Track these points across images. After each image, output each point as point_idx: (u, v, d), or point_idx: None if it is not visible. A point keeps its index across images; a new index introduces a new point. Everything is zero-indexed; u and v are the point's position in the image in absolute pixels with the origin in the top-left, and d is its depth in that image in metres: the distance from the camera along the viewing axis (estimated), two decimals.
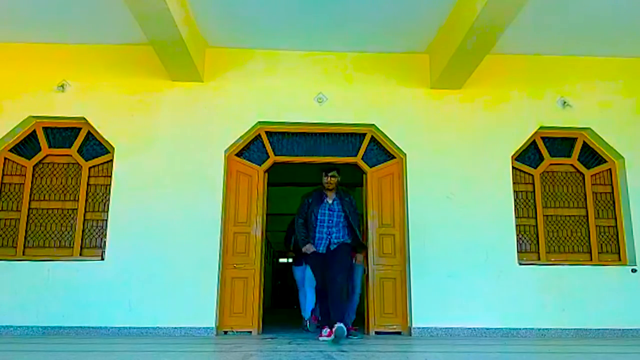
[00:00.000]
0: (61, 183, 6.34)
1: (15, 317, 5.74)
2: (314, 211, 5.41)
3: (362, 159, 6.46)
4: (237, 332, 5.96)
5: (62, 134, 6.44)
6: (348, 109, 6.40)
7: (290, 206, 7.58)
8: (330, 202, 5.45)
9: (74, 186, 6.33)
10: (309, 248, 5.34)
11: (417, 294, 5.97)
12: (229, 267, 6.05)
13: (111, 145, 6.25)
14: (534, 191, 6.53)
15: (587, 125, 6.49)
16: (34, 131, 6.41)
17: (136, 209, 6.01)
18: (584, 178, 6.59)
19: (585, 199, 6.53)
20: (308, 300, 7.01)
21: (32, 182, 6.31)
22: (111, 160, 6.25)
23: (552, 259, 6.33)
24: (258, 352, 4.09)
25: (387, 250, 6.22)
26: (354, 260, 5.56)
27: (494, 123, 6.40)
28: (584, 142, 6.64)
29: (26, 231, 6.19)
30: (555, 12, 5.69)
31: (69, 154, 6.39)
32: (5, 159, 6.35)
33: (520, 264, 6.10)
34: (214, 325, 5.77)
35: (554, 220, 6.49)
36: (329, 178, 5.46)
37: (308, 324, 6.91)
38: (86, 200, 6.26)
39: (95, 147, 6.42)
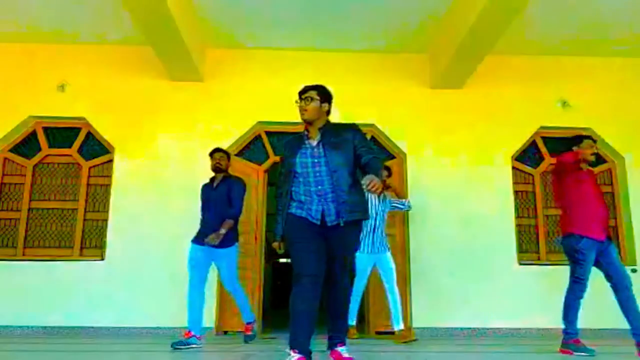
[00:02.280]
0: (61, 183, 6.34)
1: (15, 317, 5.74)
2: (292, 164, 3.24)
3: None
4: (237, 332, 5.95)
5: (62, 134, 6.45)
6: (348, 108, 6.40)
7: None
8: (313, 144, 3.26)
9: (74, 186, 6.33)
10: (276, 246, 3.34)
11: (417, 294, 5.96)
12: None
13: (111, 145, 6.25)
14: (534, 191, 6.53)
15: (587, 125, 6.49)
16: (34, 131, 6.41)
17: (136, 208, 6.01)
18: None
19: None
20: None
21: (32, 182, 6.31)
22: (111, 160, 6.25)
23: (552, 259, 6.33)
24: (258, 352, 4.09)
25: None
26: (366, 186, 2.91)
27: (494, 123, 6.40)
28: None
29: (26, 231, 6.19)
30: (556, 12, 5.69)
31: (69, 154, 6.39)
32: (5, 159, 6.35)
33: (520, 264, 6.10)
34: (213, 325, 5.77)
35: (554, 220, 6.48)
36: (303, 102, 3.31)
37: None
38: (86, 200, 6.26)
39: (95, 147, 6.42)
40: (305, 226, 3.14)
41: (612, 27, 5.98)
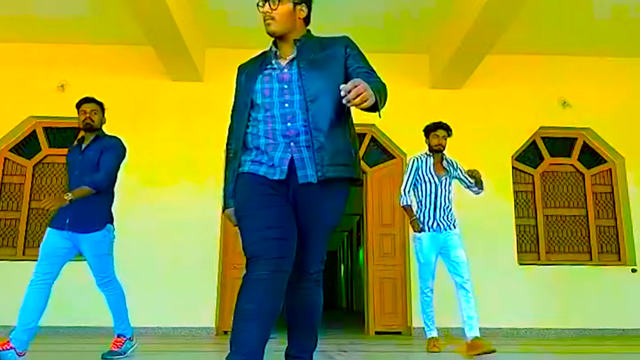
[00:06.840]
0: (61, 183, 6.34)
1: (15, 317, 5.72)
2: (250, 91, 2.21)
3: (362, 158, 6.46)
4: None
5: (62, 134, 6.45)
6: None
7: None
8: (282, 64, 2.23)
9: None
10: (229, 217, 2.33)
11: (418, 294, 5.95)
12: (229, 267, 6.04)
13: None
14: (534, 191, 6.53)
15: (587, 125, 6.49)
16: (34, 131, 6.42)
17: (136, 208, 6.00)
18: (584, 178, 6.59)
19: (585, 199, 6.53)
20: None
21: (32, 182, 6.31)
22: None
23: (552, 259, 6.33)
24: None
25: (387, 250, 6.21)
26: (346, 92, 1.97)
27: (494, 123, 6.40)
28: (584, 142, 6.64)
29: (26, 231, 6.19)
30: (556, 12, 5.69)
31: None
32: (5, 159, 6.35)
33: (520, 264, 6.10)
34: (213, 325, 5.77)
35: (554, 220, 6.49)
36: (267, 6, 2.17)
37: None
38: None
39: None
40: (262, 189, 2.13)
41: (612, 27, 5.98)
